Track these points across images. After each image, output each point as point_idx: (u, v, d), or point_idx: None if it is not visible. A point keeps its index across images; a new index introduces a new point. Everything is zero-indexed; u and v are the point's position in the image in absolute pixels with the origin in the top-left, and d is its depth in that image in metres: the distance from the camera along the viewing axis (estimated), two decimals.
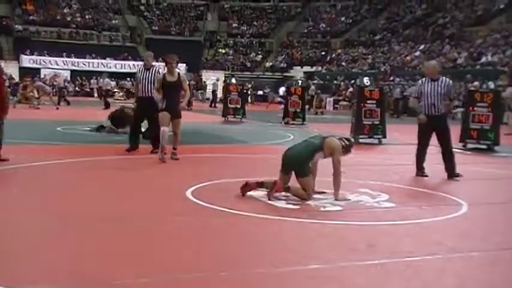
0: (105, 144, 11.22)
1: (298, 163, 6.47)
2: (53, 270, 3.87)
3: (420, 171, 8.66)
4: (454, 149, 8.66)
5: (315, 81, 39.24)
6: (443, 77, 8.77)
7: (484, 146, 12.66)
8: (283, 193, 6.45)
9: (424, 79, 8.82)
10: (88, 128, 14.15)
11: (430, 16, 41.87)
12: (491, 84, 13.14)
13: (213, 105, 31.95)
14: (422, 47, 37.54)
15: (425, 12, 43.11)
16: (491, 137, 12.56)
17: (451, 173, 8.48)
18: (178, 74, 9.28)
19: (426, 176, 8.53)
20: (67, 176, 7.84)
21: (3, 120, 8.63)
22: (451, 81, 8.76)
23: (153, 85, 9.67)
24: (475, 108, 12.81)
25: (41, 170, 8.09)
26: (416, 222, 5.64)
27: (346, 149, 6.73)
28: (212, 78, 39.29)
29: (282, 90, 33.81)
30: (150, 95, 9.69)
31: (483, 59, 30.48)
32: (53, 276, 3.76)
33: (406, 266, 4.23)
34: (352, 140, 7.18)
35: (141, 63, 11.17)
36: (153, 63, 10.38)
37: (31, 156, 8.93)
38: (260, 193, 6.48)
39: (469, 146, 12.85)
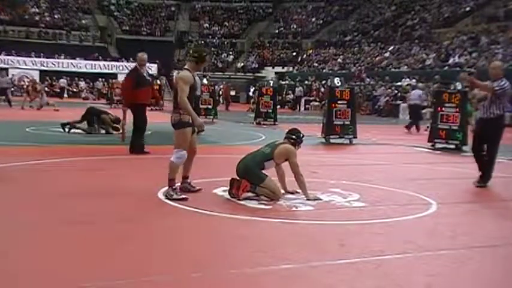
0: (76, 145, 11.08)
1: (248, 174, 6.42)
2: (24, 273, 3.81)
3: (479, 177, 7.99)
4: (466, 154, 7.91)
5: (287, 82, 39.41)
6: (503, 80, 7.85)
7: (452, 146, 12.85)
8: (251, 194, 6.44)
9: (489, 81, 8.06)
10: (58, 129, 13.99)
11: (399, 18, 42.44)
12: (459, 85, 13.34)
13: None
14: (391, 48, 38.07)
15: (394, 13, 43.69)
16: (459, 137, 12.75)
17: (481, 179, 7.95)
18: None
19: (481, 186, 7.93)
20: (37, 177, 7.71)
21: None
22: (507, 84, 7.81)
23: None
24: (443, 109, 13.01)
25: (10, 171, 7.95)
26: (386, 222, 5.71)
27: (298, 143, 6.75)
28: None
29: (251, 90, 33.92)
30: None
31: (450, 60, 31.00)
32: (23, 279, 3.71)
33: (376, 265, 4.28)
34: (297, 129, 6.91)
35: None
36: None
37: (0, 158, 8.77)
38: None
39: (438, 145, 13.05)
